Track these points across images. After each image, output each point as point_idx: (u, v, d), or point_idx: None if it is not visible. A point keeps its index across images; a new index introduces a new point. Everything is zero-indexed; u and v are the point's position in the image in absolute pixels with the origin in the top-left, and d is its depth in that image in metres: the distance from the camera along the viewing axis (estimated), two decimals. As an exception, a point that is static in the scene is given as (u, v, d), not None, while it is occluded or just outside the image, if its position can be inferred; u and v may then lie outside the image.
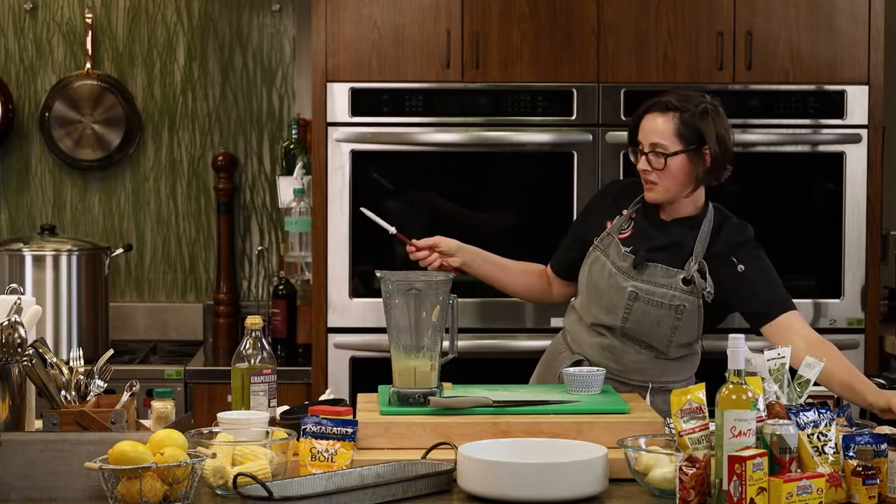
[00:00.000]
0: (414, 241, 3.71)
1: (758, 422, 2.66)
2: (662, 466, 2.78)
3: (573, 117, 4.69)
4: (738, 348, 2.67)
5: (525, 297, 3.94)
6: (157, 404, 3.12)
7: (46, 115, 5.32)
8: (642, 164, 3.55)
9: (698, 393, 2.76)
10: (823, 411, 2.76)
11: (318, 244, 4.69)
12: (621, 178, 4.68)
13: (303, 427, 2.90)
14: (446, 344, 3.28)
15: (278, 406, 3.27)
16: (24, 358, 2.95)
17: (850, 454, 2.73)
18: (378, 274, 3.32)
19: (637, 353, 3.60)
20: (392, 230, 3.70)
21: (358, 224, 4.68)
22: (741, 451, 2.59)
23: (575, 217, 4.01)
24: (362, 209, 3.73)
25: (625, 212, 3.66)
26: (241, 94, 5.40)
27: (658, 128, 3.53)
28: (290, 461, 2.88)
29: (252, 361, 3.24)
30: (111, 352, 3.17)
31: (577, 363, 3.61)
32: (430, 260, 3.70)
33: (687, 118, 3.52)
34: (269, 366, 3.24)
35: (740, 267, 3.54)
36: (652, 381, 3.61)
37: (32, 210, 5.39)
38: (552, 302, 3.95)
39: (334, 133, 4.67)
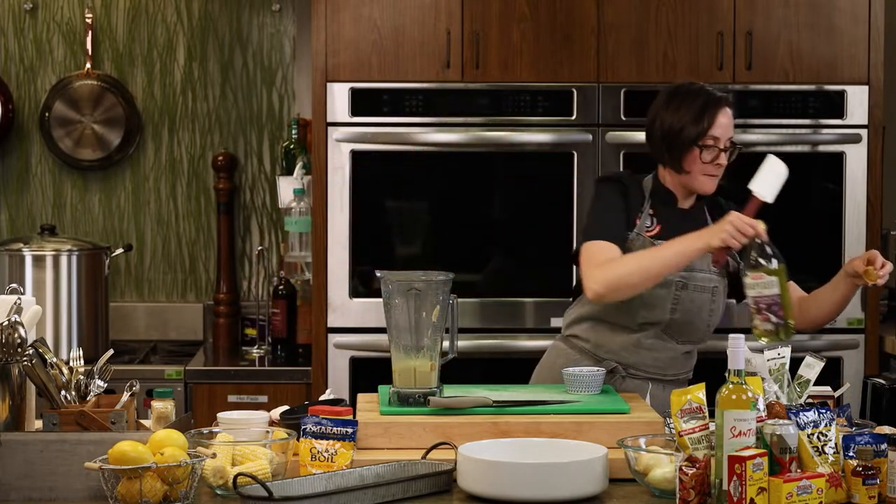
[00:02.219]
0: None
1: (758, 422, 2.66)
2: (662, 466, 2.78)
3: (573, 117, 4.69)
4: (738, 348, 2.67)
5: None
6: (157, 404, 3.11)
7: (46, 115, 5.32)
8: (721, 160, 3.58)
9: (698, 393, 2.76)
10: (823, 411, 2.76)
11: (318, 244, 4.69)
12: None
13: (303, 427, 2.90)
14: (446, 344, 3.28)
15: (278, 406, 3.27)
16: (24, 358, 2.95)
17: (850, 454, 2.73)
18: (378, 274, 3.32)
19: (674, 347, 3.63)
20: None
21: (358, 224, 4.68)
22: (741, 451, 2.59)
23: (604, 203, 3.66)
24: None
25: (643, 207, 3.65)
26: (241, 94, 5.40)
27: (729, 123, 3.60)
28: (290, 461, 2.88)
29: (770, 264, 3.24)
30: (111, 352, 3.17)
31: (612, 371, 3.60)
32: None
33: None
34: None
35: None
36: (679, 373, 3.65)
37: (32, 210, 5.40)
38: None
39: (334, 133, 4.67)
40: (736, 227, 3.32)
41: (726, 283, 3.66)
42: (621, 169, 4.67)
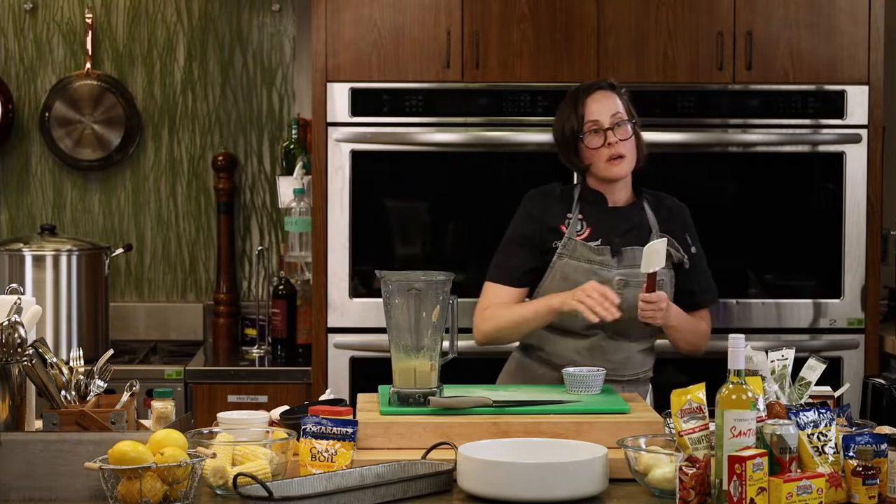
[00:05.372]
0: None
1: (758, 422, 2.66)
2: (662, 466, 2.78)
3: (573, 117, 4.68)
4: (738, 348, 2.67)
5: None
6: (157, 404, 3.12)
7: (46, 115, 5.32)
8: (610, 139, 3.63)
9: (698, 393, 2.76)
10: (823, 411, 2.76)
11: (318, 244, 4.69)
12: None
13: (303, 427, 2.90)
14: (446, 344, 3.28)
15: (278, 406, 3.27)
16: (24, 358, 2.95)
17: (850, 454, 2.73)
18: (378, 274, 3.32)
19: (628, 346, 3.64)
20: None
21: (358, 224, 4.68)
22: (741, 451, 2.59)
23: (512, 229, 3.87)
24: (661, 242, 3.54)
25: (570, 215, 3.70)
26: (241, 94, 5.40)
27: (611, 102, 3.66)
28: (290, 461, 2.88)
29: None
30: (111, 352, 3.17)
31: None
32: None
33: (624, 96, 3.70)
34: None
35: (693, 248, 3.71)
36: (637, 373, 3.64)
37: (32, 210, 5.40)
38: None
39: (334, 133, 4.67)
40: (587, 305, 3.45)
41: (672, 274, 3.67)
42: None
